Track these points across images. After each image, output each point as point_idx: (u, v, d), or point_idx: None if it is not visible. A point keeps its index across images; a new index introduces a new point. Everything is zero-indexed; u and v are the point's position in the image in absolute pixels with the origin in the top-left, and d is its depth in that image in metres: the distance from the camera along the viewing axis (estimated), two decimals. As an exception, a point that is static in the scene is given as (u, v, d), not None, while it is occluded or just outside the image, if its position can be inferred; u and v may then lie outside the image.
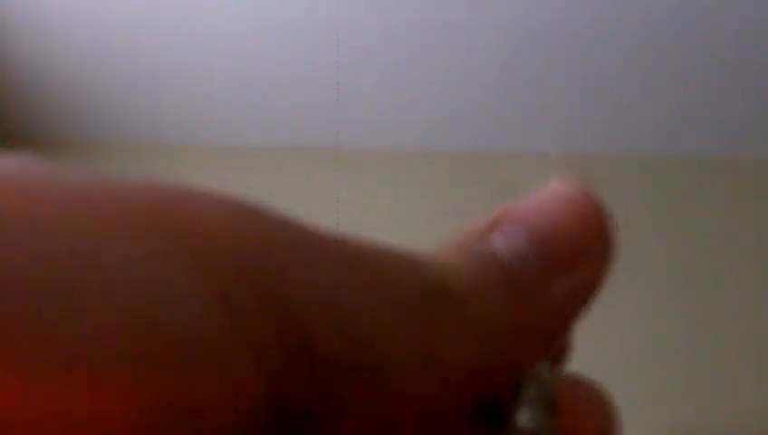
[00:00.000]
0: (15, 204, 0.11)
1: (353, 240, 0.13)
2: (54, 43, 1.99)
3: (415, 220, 2.29)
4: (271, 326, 0.11)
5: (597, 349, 2.15)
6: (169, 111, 2.25)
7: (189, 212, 0.11)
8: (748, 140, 2.23)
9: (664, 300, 2.19)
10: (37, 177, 0.11)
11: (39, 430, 0.09)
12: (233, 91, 2.15)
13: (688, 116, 2.14)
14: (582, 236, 0.13)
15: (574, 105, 2.12)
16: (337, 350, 0.11)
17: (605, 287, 2.21)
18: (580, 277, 0.13)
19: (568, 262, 0.13)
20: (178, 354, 0.10)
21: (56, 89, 2.17)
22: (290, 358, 0.11)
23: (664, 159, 2.31)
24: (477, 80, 2.05)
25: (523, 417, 0.14)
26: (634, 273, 2.22)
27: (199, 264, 0.11)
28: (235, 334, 0.11)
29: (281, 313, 0.11)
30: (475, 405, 0.13)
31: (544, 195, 0.14)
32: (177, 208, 0.11)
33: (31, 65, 2.07)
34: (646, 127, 2.19)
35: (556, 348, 0.15)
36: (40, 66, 2.07)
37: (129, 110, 2.26)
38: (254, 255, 0.11)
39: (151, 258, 0.10)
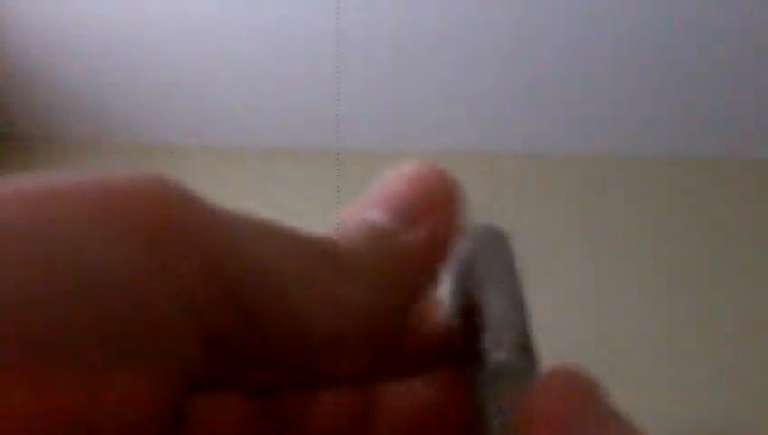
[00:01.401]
0: None
1: (269, 220, 0.16)
2: (54, 43, 1.99)
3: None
4: (211, 285, 0.13)
5: (597, 348, 2.15)
6: (169, 112, 2.25)
7: (119, 191, 0.14)
8: (748, 141, 2.23)
9: (664, 300, 2.19)
10: None
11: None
12: (233, 91, 2.15)
13: (688, 116, 2.14)
14: (422, 197, 0.18)
15: (574, 105, 2.12)
16: (261, 299, 0.14)
17: (604, 287, 2.21)
18: (428, 226, 0.17)
19: (414, 218, 0.17)
20: (125, 313, 0.12)
21: (56, 89, 2.17)
22: (223, 309, 0.14)
23: (664, 159, 2.31)
24: (477, 80, 2.05)
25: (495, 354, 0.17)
26: (634, 273, 2.22)
27: (145, 241, 0.13)
28: (177, 295, 0.13)
29: (217, 274, 0.14)
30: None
31: (396, 174, 0.18)
32: (109, 188, 0.14)
33: (31, 65, 2.07)
34: (646, 127, 2.19)
35: (424, 283, 0.18)
36: (40, 66, 2.07)
37: (129, 110, 2.26)
38: (191, 228, 0.14)
39: (95, 240, 0.12)
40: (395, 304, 0.17)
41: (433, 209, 0.18)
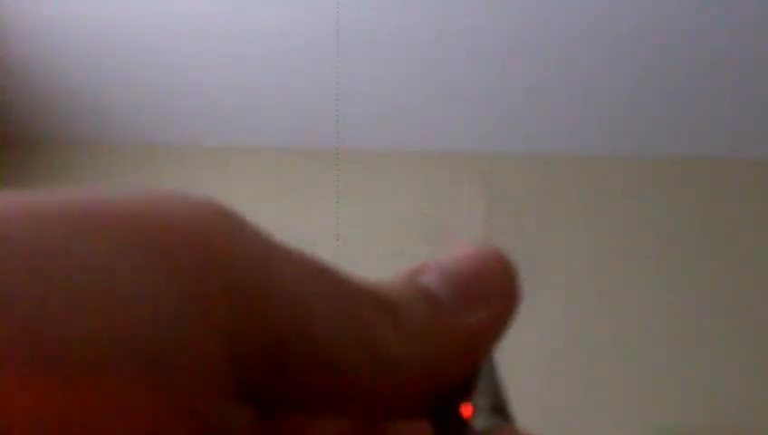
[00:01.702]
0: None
1: (311, 254, 0.16)
2: (54, 44, 1.99)
3: (414, 220, 2.29)
4: (240, 322, 0.13)
5: (596, 348, 2.15)
6: (169, 112, 2.25)
7: (160, 218, 0.13)
8: (748, 141, 2.23)
9: (664, 299, 2.19)
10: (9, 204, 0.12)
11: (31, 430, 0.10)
12: (233, 91, 2.15)
13: (688, 116, 2.14)
14: (487, 280, 0.17)
15: (574, 105, 2.12)
16: (299, 348, 0.14)
17: (604, 286, 2.21)
18: (488, 312, 0.17)
19: (476, 299, 0.17)
20: (157, 347, 0.12)
21: (56, 89, 2.17)
22: (256, 353, 0.13)
23: (664, 159, 2.31)
24: (477, 80, 2.05)
25: (478, 420, 0.18)
26: (634, 272, 2.22)
27: (173, 268, 0.12)
28: (207, 329, 0.12)
29: (248, 310, 0.13)
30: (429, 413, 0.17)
31: (461, 251, 0.18)
32: (149, 214, 0.13)
33: (31, 65, 2.07)
34: (646, 127, 2.19)
35: (468, 372, 0.18)
36: (40, 66, 2.07)
37: (129, 110, 2.26)
38: (229, 265, 0.13)
39: (124, 261, 0.12)
40: (443, 379, 0.17)
41: (493, 294, 0.17)
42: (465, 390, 0.18)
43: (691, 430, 2.08)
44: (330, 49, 1.96)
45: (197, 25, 1.91)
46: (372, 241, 2.28)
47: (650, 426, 2.08)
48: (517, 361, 2.11)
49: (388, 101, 2.15)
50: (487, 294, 0.17)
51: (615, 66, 1.98)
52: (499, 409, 0.18)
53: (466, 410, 0.18)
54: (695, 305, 2.18)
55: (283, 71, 2.05)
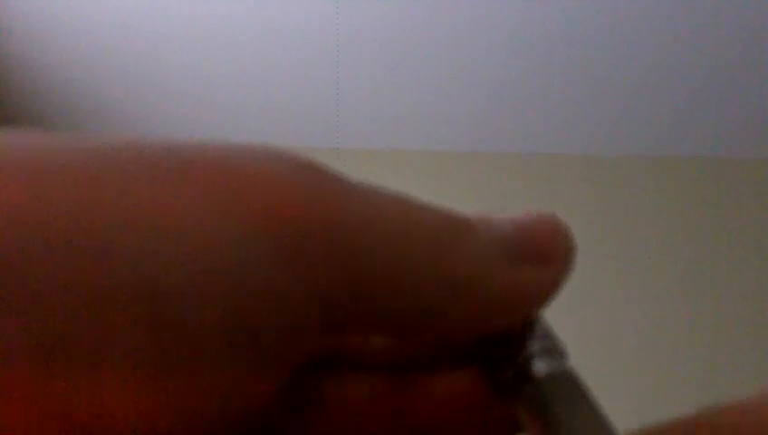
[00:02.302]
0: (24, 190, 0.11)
1: (396, 194, 0.16)
2: (54, 44, 1.99)
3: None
4: (338, 275, 0.13)
5: (596, 347, 2.15)
6: (170, 112, 2.25)
7: (252, 176, 0.13)
8: (748, 141, 2.23)
9: (664, 299, 2.20)
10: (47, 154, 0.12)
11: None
12: (233, 91, 2.15)
13: (688, 116, 2.14)
14: (552, 240, 0.18)
15: (574, 105, 2.12)
16: (384, 279, 0.14)
17: (604, 286, 2.21)
18: (547, 272, 0.17)
19: (539, 258, 0.17)
20: (254, 307, 0.12)
21: (55, 88, 2.17)
22: (343, 290, 0.14)
23: (664, 159, 2.31)
24: (477, 80, 2.05)
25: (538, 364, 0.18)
26: (634, 272, 2.22)
27: (271, 232, 0.12)
28: (303, 286, 0.13)
29: (346, 265, 0.13)
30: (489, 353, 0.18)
31: (527, 213, 0.18)
32: (240, 173, 0.13)
33: (31, 65, 2.07)
34: (646, 127, 2.20)
35: (523, 323, 0.18)
36: (39, 66, 2.07)
37: (128, 110, 2.26)
38: (319, 221, 0.13)
39: (225, 228, 0.12)
40: (504, 319, 0.17)
41: (555, 256, 0.18)
42: (520, 338, 0.18)
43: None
44: (330, 49, 1.97)
45: (197, 25, 1.91)
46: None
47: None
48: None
49: (389, 101, 2.15)
50: (551, 255, 0.17)
51: (615, 66, 1.98)
52: (554, 350, 0.18)
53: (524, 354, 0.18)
54: (695, 304, 2.18)
55: (283, 71, 2.05)
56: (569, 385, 0.17)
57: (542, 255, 0.17)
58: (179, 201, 0.11)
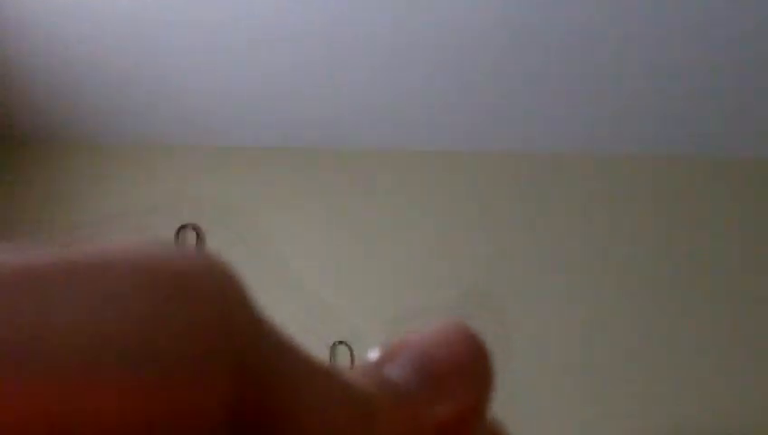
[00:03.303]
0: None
1: (317, 362, 0.15)
2: (55, 44, 1.99)
3: (415, 220, 2.29)
4: (243, 392, 0.13)
5: (596, 347, 2.15)
6: (169, 112, 2.25)
7: (182, 275, 0.12)
8: (748, 141, 2.23)
9: (663, 299, 2.19)
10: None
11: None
12: (232, 91, 2.15)
13: (689, 116, 2.14)
14: (458, 368, 0.16)
15: (574, 105, 2.12)
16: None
17: (604, 285, 2.21)
18: (459, 402, 0.16)
19: (448, 390, 0.16)
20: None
21: (56, 89, 2.17)
22: (250, 426, 0.13)
23: (664, 159, 2.31)
24: (477, 80, 2.05)
25: None
26: (633, 271, 2.22)
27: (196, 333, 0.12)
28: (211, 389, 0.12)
29: (253, 384, 0.13)
30: None
31: (430, 332, 0.17)
32: (169, 270, 0.12)
33: (31, 66, 2.07)
34: (646, 127, 2.19)
35: None
36: (40, 67, 2.07)
37: (129, 110, 2.26)
38: (241, 336, 0.13)
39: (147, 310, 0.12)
40: None
41: (463, 380, 0.16)
42: None
43: (691, 430, 2.08)
44: (330, 49, 1.96)
45: (198, 26, 1.91)
46: (372, 240, 2.28)
47: (650, 426, 2.08)
48: (516, 361, 2.11)
49: (389, 101, 2.15)
50: (458, 384, 0.16)
51: (615, 67, 1.97)
52: None
53: None
54: (694, 304, 2.18)
55: (283, 71, 2.05)
56: None
57: (450, 386, 0.16)
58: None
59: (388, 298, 2.19)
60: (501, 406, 2.10)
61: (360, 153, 2.37)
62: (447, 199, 2.31)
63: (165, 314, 0.12)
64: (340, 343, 2.15)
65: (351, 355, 2.17)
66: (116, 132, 2.37)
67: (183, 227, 2.32)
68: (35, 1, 1.85)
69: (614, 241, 2.25)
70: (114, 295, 0.12)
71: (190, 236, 2.32)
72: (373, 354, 0.17)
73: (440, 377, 0.16)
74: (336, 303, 2.21)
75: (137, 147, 2.41)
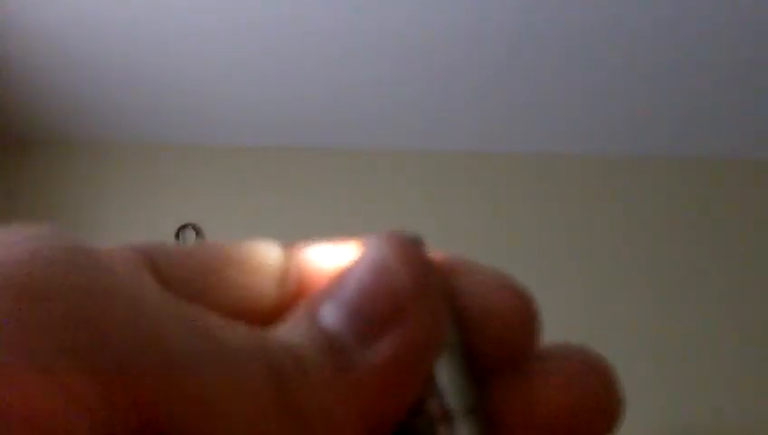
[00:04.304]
0: None
1: (207, 318, 0.14)
2: (55, 44, 1.99)
3: (415, 220, 2.29)
4: (110, 385, 0.13)
5: (596, 347, 2.15)
6: (169, 112, 2.25)
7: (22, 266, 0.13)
8: (748, 141, 2.23)
9: (664, 298, 2.19)
10: None
11: None
12: (233, 91, 2.15)
13: (688, 116, 2.14)
14: (392, 301, 0.15)
15: (574, 106, 2.12)
16: (175, 416, 0.13)
17: (604, 285, 2.21)
18: (399, 337, 0.15)
19: (382, 327, 0.15)
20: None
21: (56, 89, 2.17)
22: (129, 416, 0.13)
23: (664, 159, 2.31)
24: (477, 80, 2.05)
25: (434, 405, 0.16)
26: (633, 272, 2.22)
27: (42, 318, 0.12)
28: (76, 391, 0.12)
29: (120, 373, 0.13)
30: None
31: (362, 263, 0.16)
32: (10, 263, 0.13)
33: (31, 66, 2.07)
34: (646, 127, 2.19)
35: (412, 395, 0.16)
36: (40, 67, 2.07)
37: (129, 110, 2.26)
38: (97, 320, 0.13)
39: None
40: (378, 418, 0.15)
41: (401, 314, 0.15)
42: (418, 403, 0.16)
43: (691, 430, 2.08)
44: (330, 50, 1.96)
45: (198, 25, 1.91)
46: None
47: (650, 426, 2.08)
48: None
49: (389, 101, 2.15)
50: (393, 317, 0.15)
51: (615, 67, 1.97)
52: (473, 409, 0.16)
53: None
54: (694, 303, 2.18)
55: (283, 71, 2.05)
56: None
57: (385, 323, 0.15)
58: None
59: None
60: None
61: (360, 153, 2.37)
62: (447, 199, 2.31)
63: (19, 312, 0.12)
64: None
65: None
66: (116, 132, 2.37)
67: (183, 227, 2.33)
68: (36, 1, 1.85)
69: (614, 241, 2.25)
70: None
71: (190, 236, 2.32)
72: (312, 295, 0.16)
73: (377, 315, 0.15)
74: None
75: (137, 147, 2.41)
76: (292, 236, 2.36)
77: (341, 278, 0.16)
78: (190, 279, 0.16)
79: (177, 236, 2.30)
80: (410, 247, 0.16)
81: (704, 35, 1.85)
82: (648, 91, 2.05)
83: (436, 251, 0.18)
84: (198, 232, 2.32)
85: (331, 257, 0.18)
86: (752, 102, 2.07)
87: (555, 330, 2.19)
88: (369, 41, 1.93)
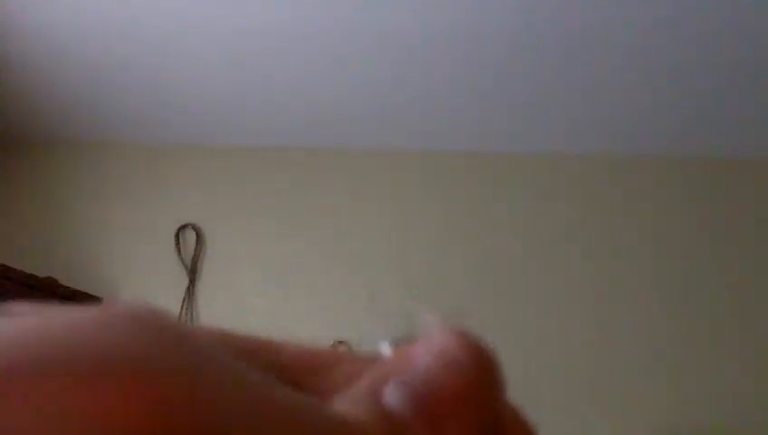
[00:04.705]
0: None
1: (274, 387, 0.14)
2: (55, 44, 1.99)
3: (415, 220, 2.29)
4: None
5: (596, 346, 2.15)
6: (169, 112, 2.25)
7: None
8: (748, 141, 2.23)
9: (664, 299, 2.19)
10: None
11: None
12: (233, 91, 2.15)
13: (688, 116, 2.14)
14: (459, 394, 0.16)
15: (574, 105, 2.12)
16: None
17: (604, 285, 2.21)
18: (463, 420, 0.15)
19: (446, 416, 0.15)
20: None
21: (56, 89, 2.17)
22: None
23: (664, 159, 2.31)
24: (477, 81, 2.05)
25: None
26: (633, 272, 2.22)
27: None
28: None
29: None
30: None
31: (432, 348, 0.16)
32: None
33: (31, 67, 2.07)
34: (646, 127, 2.19)
35: None
36: (40, 66, 2.07)
37: (129, 110, 2.26)
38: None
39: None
40: None
41: (464, 404, 0.16)
42: None
43: (691, 430, 2.08)
44: (330, 50, 1.96)
45: (198, 26, 1.91)
46: (372, 240, 2.28)
47: (650, 426, 2.08)
48: (517, 361, 2.10)
49: (388, 101, 2.14)
50: (458, 409, 0.16)
51: (615, 68, 1.97)
52: None
53: None
54: (694, 303, 2.18)
55: (283, 71, 2.05)
56: None
57: (448, 408, 0.15)
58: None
59: (389, 298, 2.19)
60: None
61: (360, 153, 2.37)
62: (447, 199, 2.31)
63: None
64: (340, 342, 2.15)
65: (351, 355, 2.17)
66: (116, 132, 2.37)
67: (183, 227, 2.33)
68: (36, 1, 1.85)
69: (614, 240, 2.25)
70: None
71: (190, 236, 2.32)
72: (372, 371, 0.16)
73: (439, 403, 0.15)
74: (336, 302, 2.21)
75: (137, 147, 2.41)
76: (292, 237, 2.36)
77: (409, 361, 0.16)
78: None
79: (177, 236, 2.30)
80: (473, 342, 0.17)
81: (704, 35, 1.85)
82: (648, 91, 2.05)
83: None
84: (198, 232, 2.32)
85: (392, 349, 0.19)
86: (752, 102, 2.06)
87: (556, 330, 2.20)
88: (369, 41, 1.93)
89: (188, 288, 2.25)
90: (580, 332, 2.16)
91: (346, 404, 0.16)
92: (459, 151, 2.34)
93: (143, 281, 2.26)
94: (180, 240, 2.31)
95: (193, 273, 2.27)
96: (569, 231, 2.26)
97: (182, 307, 2.23)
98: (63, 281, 2.12)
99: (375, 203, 2.31)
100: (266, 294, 2.23)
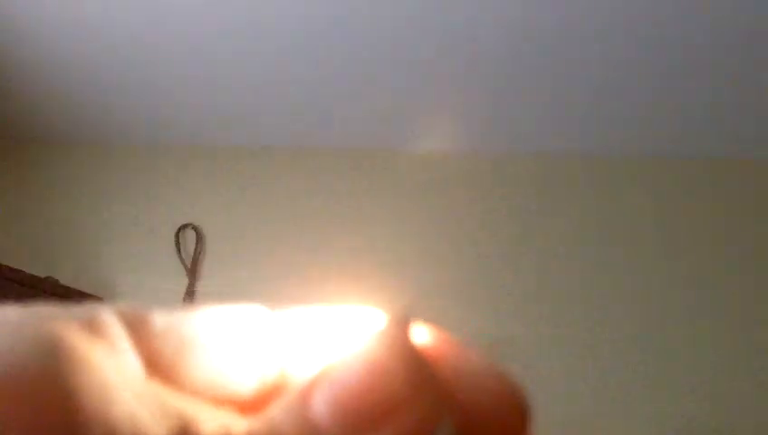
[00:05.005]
0: None
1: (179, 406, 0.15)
2: (55, 44, 1.99)
3: (415, 220, 2.29)
4: None
5: (597, 346, 2.15)
6: (169, 112, 2.25)
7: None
8: (748, 141, 2.23)
9: (664, 298, 2.19)
10: None
11: None
12: (233, 91, 2.15)
13: (688, 116, 2.14)
14: (386, 400, 0.15)
15: (575, 105, 2.12)
16: None
17: (604, 285, 2.21)
18: (392, 431, 0.15)
19: (374, 424, 0.15)
20: None
21: (56, 89, 2.17)
22: None
23: (664, 159, 2.31)
24: (477, 81, 2.05)
25: None
26: (633, 272, 2.22)
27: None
28: None
29: None
30: None
31: (356, 358, 0.16)
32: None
33: (32, 67, 2.07)
34: (647, 127, 2.19)
35: None
36: (41, 68, 2.07)
37: (129, 110, 2.26)
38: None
39: None
40: None
41: (394, 413, 0.15)
42: None
43: (691, 430, 2.08)
44: (331, 50, 1.96)
45: (198, 26, 1.91)
46: (372, 240, 2.28)
47: (650, 426, 2.08)
48: (519, 362, 2.11)
49: (388, 101, 2.15)
50: (385, 415, 0.15)
51: (615, 67, 1.97)
52: None
53: None
54: (694, 303, 2.18)
55: (283, 71, 2.05)
56: None
57: (377, 421, 0.15)
58: None
59: (388, 297, 2.19)
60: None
61: (360, 153, 2.37)
62: (448, 199, 2.31)
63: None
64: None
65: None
66: (116, 133, 2.37)
67: (183, 227, 2.33)
68: (36, 2, 1.85)
69: (614, 241, 2.25)
70: None
71: (190, 236, 2.32)
72: (302, 383, 0.16)
73: (370, 413, 0.15)
74: (336, 302, 2.21)
75: (137, 147, 2.41)
76: (292, 236, 2.35)
77: (335, 371, 0.16)
78: (171, 357, 0.16)
79: (177, 236, 2.30)
80: (405, 341, 0.16)
81: (703, 35, 1.85)
82: (648, 91, 2.05)
83: (427, 332, 0.17)
84: (198, 232, 2.32)
85: (321, 345, 0.18)
86: (752, 102, 2.06)
87: (556, 329, 2.19)
88: (369, 41, 1.93)
89: (188, 288, 2.25)
90: (579, 330, 2.16)
91: (276, 410, 0.16)
92: (459, 151, 2.34)
93: (143, 281, 2.26)
94: (180, 240, 2.31)
95: (193, 273, 2.27)
96: (568, 230, 2.26)
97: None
98: (63, 281, 2.12)
99: (375, 203, 2.31)
100: (266, 294, 2.23)
